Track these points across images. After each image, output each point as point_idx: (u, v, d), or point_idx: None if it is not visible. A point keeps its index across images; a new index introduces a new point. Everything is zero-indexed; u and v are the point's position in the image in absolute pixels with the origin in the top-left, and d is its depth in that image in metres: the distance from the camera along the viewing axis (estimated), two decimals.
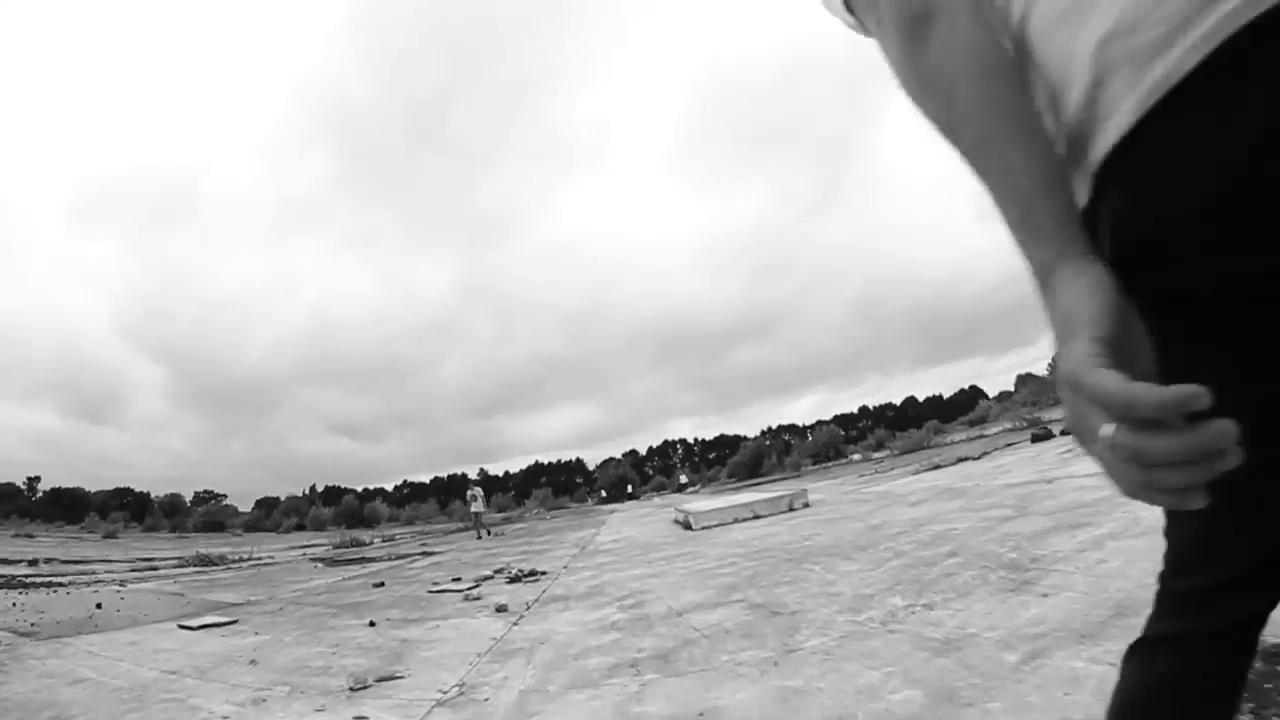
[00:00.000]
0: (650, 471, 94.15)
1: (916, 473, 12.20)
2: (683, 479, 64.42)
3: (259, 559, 16.00)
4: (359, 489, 79.12)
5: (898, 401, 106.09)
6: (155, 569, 14.31)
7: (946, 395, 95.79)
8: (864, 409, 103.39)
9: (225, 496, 59.99)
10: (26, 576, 11.02)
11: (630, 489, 65.34)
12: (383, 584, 7.63)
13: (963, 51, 0.58)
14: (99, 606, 7.03)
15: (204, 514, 46.27)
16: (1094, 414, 0.43)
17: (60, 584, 9.78)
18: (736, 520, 9.31)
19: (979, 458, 12.62)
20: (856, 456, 35.46)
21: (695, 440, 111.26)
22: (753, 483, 31.70)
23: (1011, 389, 62.16)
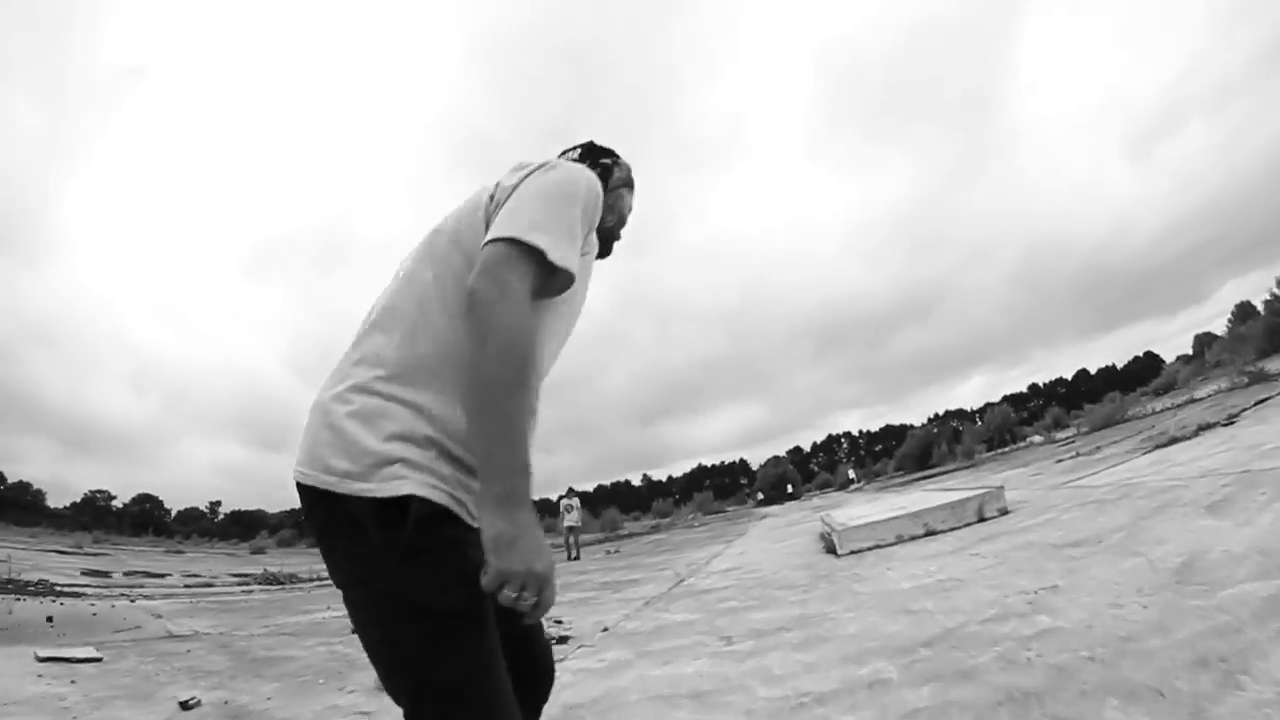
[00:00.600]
0: (815, 468, 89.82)
1: (1147, 451, 8.48)
2: (850, 474, 59.87)
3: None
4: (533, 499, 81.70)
5: (1068, 375, 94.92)
6: (210, 585, 13.61)
7: (1119, 365, 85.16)
8: (1034, 387, 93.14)
9: None
10: (65, 586, 10.57)
11: (790, 488, 61.58)
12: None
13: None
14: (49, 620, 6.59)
15: None
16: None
17: (77, 594, 9.27)
18: (900, 539, 6.38)
19: (1229, 422, 8.81)
20: (1036, 438, 30.01)
21: (860, 433, 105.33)
22: (923, 476, 27.48)
23: (1189, 351, 55.75)
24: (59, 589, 9.81)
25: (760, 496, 64.40)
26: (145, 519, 65.42)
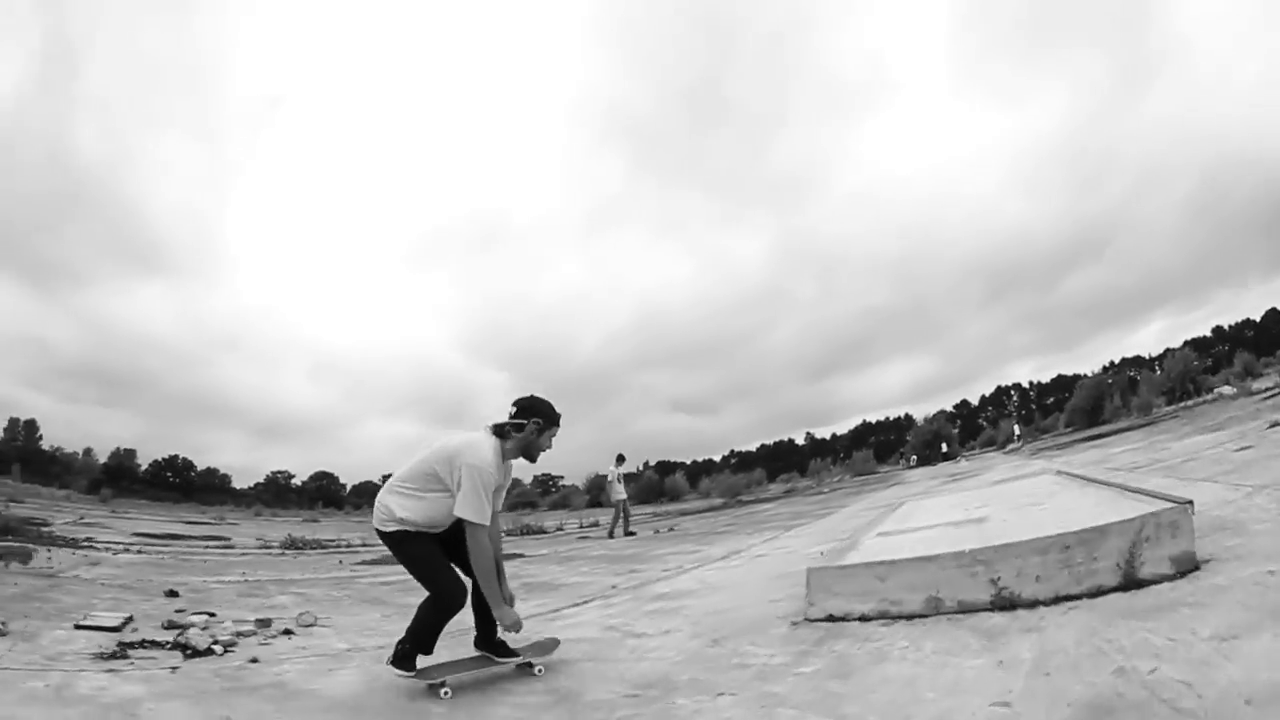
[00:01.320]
0: (983, 422, 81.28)
1: None
2: (1014, 430, 52.86)
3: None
4: (688, 461, 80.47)
5: (1256, 317, 78.44)
6: (231, 547, 13.94)
7: None
8: (1218, 330, 77.68)
9: (562, 477, 64.43)
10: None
11: (945, 448, 55.07)
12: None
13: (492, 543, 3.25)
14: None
15: (517, 493, 48.63)
16: None
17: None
18: (934, 607, 3.01)
19: None
20: (1226, 389, 22.83)
21: (1031, 384, 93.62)
22: (1090, 437, 21.77)
23: None
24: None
25: (914, 459, 58.20)
26: (321, 494, 71.04)
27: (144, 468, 67.47)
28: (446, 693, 3.02)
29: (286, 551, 13.40)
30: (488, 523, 3.08)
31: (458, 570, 3.21)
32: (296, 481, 76.42)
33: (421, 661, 3.22)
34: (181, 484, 67.61)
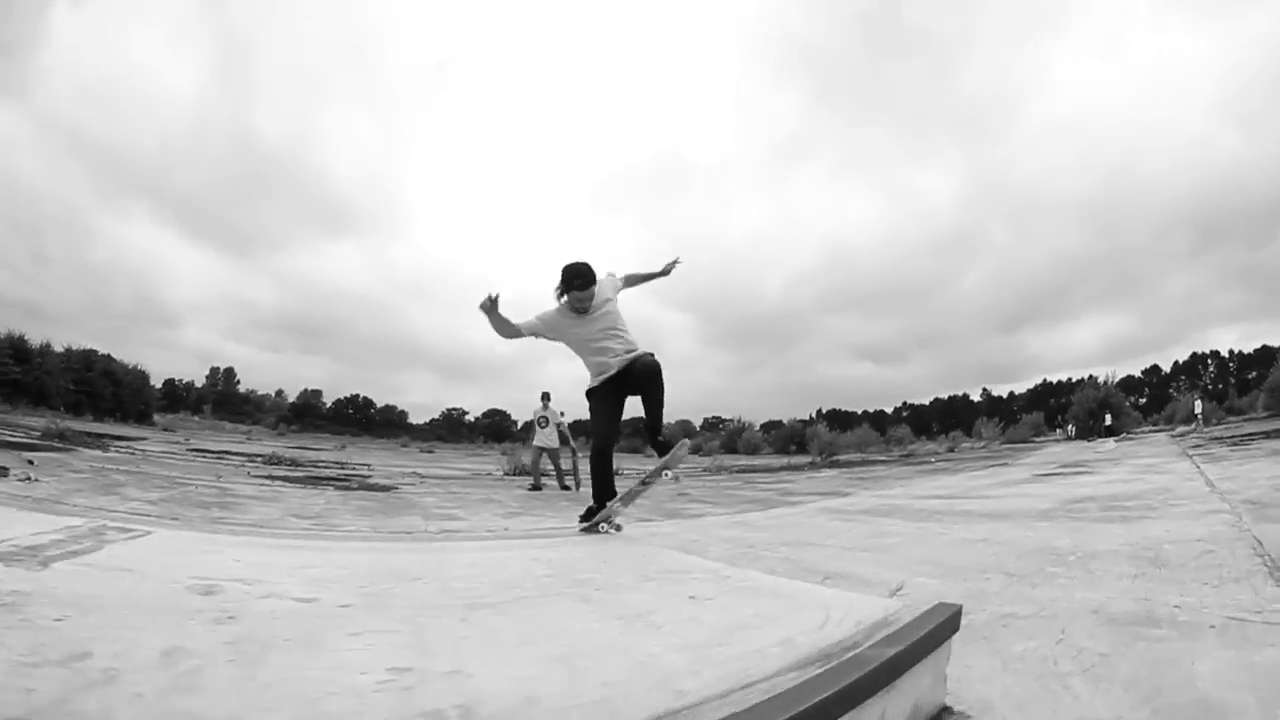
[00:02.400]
0: (1174, 392, 71.98)
1: None
2: (1196, 407, 46.01)
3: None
4: (859, 411, 79.07)
5: None
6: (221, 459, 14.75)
7: None
8: None
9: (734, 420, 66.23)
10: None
11: (1109, 420, 48.65)
12: None
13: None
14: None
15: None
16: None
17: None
18: None
19: None
20: None
21: (1231, 354, 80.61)
22: None
23: None
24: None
25: (1071, 429, 52.06)
26: (493, 429, 75.44)
27: (328, 406, 74.95)
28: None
29: (263, 466, 13.39)
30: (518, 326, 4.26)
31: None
32: (471, 417, 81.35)
33: None
34: (362, 420, 74.22)
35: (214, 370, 68.91)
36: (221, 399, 62.27)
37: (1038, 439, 44.42)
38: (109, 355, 41.35)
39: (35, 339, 31.80)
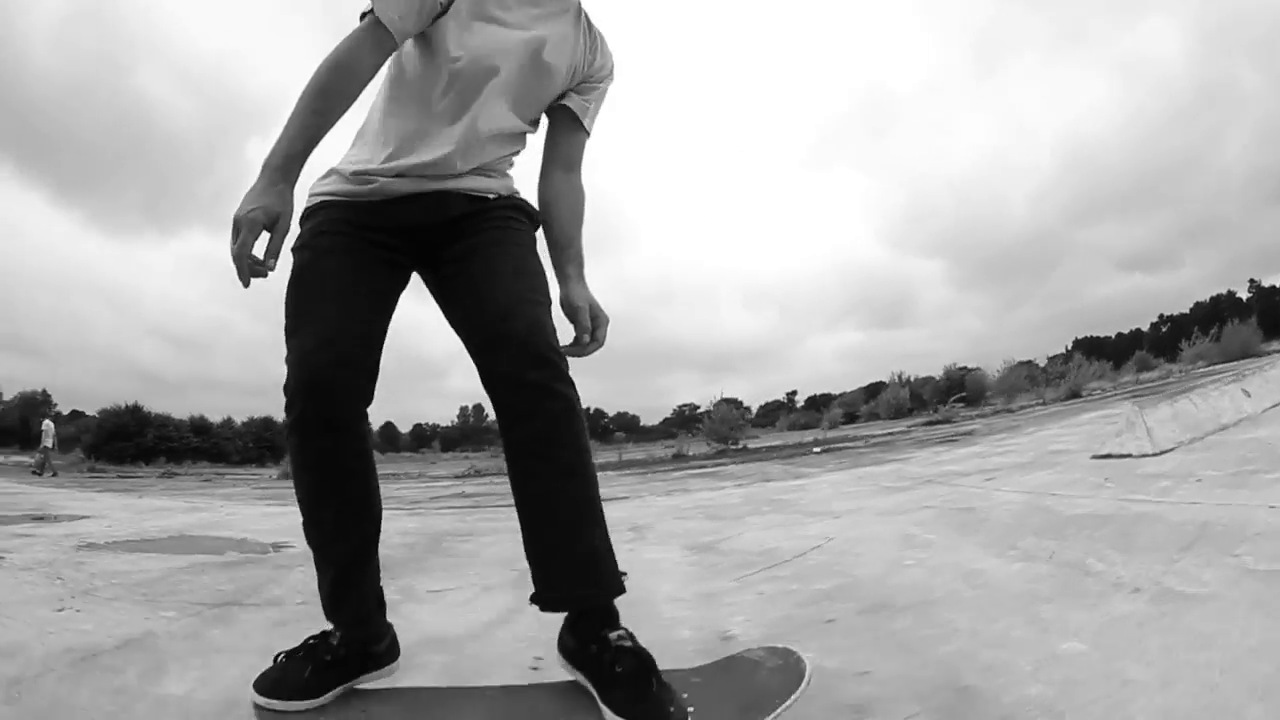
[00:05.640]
0: None
1: None
2: None
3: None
4: (1126, 330, 66.21)
5: None
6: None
7: None
8: None
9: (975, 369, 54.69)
10: None
11: None
12: None
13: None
14: None
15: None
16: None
17: None
18: None
19: None
20: None
21: None
22: None
23: None
24: None
25: None
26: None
27: (609, 418, 74.33)
28: None
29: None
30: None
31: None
32: (700, 410, 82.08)
33: None
34: (596, 430, 76.36)
35: (463, 409, 73.49)
36: (467, 433, 66.21)
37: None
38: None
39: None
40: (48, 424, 19.61)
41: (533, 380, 1.21)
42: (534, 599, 1.27)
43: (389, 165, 1.32)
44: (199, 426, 40.38)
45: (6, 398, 49.28)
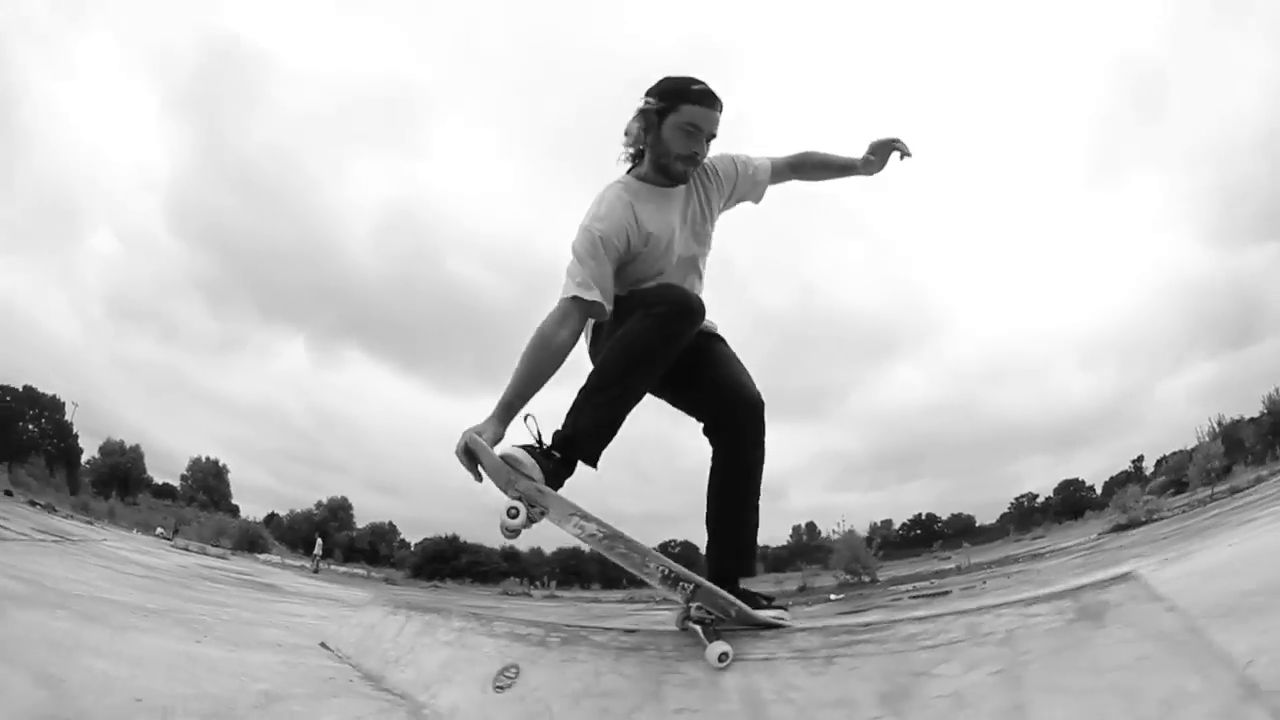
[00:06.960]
0: None
1: None
2: None
3: None
4: None
5: None
6: None
7: None
8: None
9: None
10: None
11: None
12: None
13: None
14: None
15: None
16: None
17: None
18: None
19: None
20: None
21: None
22: None
23: None
24: None
25: None
26: (1067, 504, 56.47)
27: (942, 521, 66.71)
28: None
29: None
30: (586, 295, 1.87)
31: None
32: (1041, 497, 63.16)
33: None
34: (930, 535, 65.60)
35: (795, 528, 67.53)
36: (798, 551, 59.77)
37: None
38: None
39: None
40: (319, 541, 36.64)
41: None
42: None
43: None
44: (508, 554, 51.64)
45: (360, 527, 66.26)
